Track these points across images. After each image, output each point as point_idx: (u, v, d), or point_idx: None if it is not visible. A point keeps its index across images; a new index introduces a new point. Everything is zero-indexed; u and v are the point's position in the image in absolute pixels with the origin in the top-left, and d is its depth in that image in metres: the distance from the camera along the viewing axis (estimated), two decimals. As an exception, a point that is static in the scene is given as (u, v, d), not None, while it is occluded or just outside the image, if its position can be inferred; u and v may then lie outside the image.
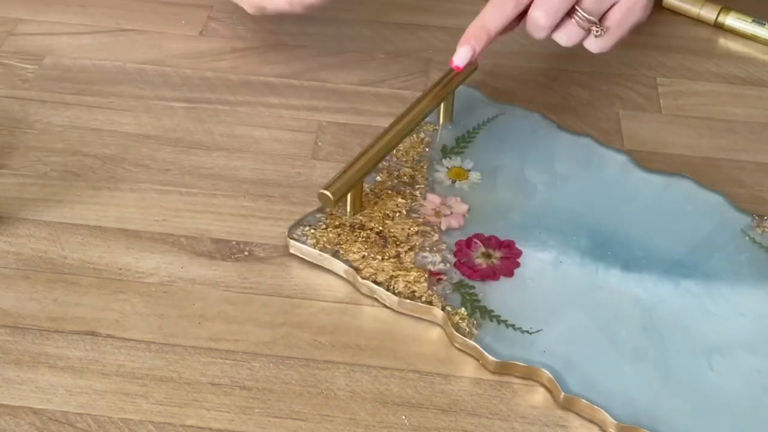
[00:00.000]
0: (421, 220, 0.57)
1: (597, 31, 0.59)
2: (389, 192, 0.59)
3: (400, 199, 0.58)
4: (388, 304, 0.53)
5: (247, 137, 0.64)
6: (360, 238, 0.56)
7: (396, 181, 0.60)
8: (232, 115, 0.66)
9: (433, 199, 0.58)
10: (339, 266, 0.54)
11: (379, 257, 0.55)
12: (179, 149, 0.63)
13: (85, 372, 0.49)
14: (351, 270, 0.54)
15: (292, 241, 0.55)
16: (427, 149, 0.62)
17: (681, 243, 0.56)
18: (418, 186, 0.59)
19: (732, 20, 0.75)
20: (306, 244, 0.55)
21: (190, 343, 0.51)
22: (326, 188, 0.54)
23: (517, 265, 0.55)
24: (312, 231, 0.56)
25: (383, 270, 0.54)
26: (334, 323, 0.52)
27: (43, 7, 0.74)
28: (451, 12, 0.76)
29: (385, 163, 0.60)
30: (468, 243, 0.56)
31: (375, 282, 0.53)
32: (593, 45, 0.61)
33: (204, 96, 0.67)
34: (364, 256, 0.55)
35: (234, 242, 0.56)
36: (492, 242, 0.56)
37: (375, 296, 0.53)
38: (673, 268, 0.54)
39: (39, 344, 0.51)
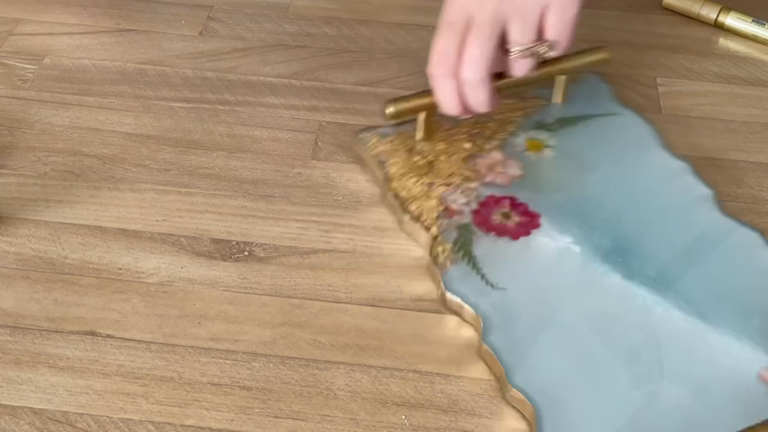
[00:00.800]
0: (473, 167, 0.60)
1: (544, 51, 0.57)
2: (464, 135, 0.62)
3: (467, 144, 0.61)
4: (392, 222, 0.58)
5: (247, 137, 0.64)
6: (410, 159, 0.60)
7: (477, 129, 0.62)
8: (231, 115, 0.66)
9: (496, 156, 0.61)
10: (379, 173, 0.60)
11: (414, 179, 0.58)
12: (179, 149, 0.63)
13: (85, 372, 0.49)
14: (385, 178, 0.59)
15: (359, 136, 0.62)
16: (523, 118, 0.64)
17: (707, 287, 0.54)
18: (492, 141, 0.62)
19: (732, 20, 0.75)
20: (365, 145, 0.61)
21: (190, 343, 0.51)
22: (390, 102, 0.59)
23: (527, 233, 0.56)
24: (377, 138, 0.61)
25: (410, 190, 0.58)
26: (334, 323, 0.52)
27: (43, 7, 0.74)
28: (451, 12, 0.76)
29: (476, 116, 0.61)
30: (497, 200, 0.58)
31: (396, 196, 0.58)
32: (552, 55, 0.57)
33: (204, 96, 0.67)
34: (403, 173, 0.59)
35: (234, 242, 0.56)
36: (519, 208, 0.57)
37: (392, 206, 0.58)
38: (679, 301, 0.52)
39: (39, 344, 0.51)
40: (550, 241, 0.56)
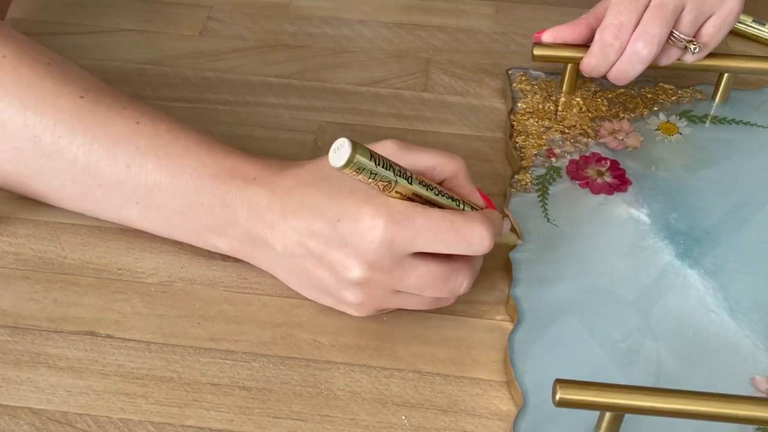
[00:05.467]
0: (596, 126, 0.64)
1: (695, 48, 0.60)
2: (605, 101, 0.65)
3: (602, 108, 0.65)
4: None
5: (246, 137, 0.64)
6: (543, 104, 0.65)
7: (622, 98, 0.66)
8: (231, 115, 0.65)
9: (624, 124, 0.63)
10: (508, 105, 0.66)
11: (536, 119, 0.64)
12: (179, 149, 0.62)
13: (85, 372, 0.49)
14: (510, 114, 0.64)
15: (509, 71, 0.68)
16: (672, 104, 0.66)
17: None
18: (630, 113, 0.65)
19: (732, 20, 0.75)
20: (512, 80, 0.67)
21: (189, 343, 0.51)
22: (540, 44, 0.63)
23: (609, 193, 0.59)
24: (524, 78, 0.67)
25: (527, 125, 0.63)
26: (334, 323, 0.52)
27: (42, 7, 0.74)
28: (451, 12, 0.76)
29: (627, 87, 0.67)
30: (600, 159, 0.60)
31: (512, 125, 0.63)
32: (688, 59, 0.62)
33: (204, 96, 0.67)
34: (531, 112, 0.64)
35: (234, 242, 0.56)
36: (616, 171, 0.60)
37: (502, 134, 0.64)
38: (717, 294, 0.53)
39: (39, 344, 0.51)
40: (626, 206, 0.58)
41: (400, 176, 0.46)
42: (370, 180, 0.45)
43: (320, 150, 0.63)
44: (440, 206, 0.48)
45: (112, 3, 0.75)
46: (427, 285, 0.48)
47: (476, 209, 0.50)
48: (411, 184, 0.46)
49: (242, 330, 0.52)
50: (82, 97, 0.52)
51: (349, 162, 0.43)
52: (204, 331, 0.52)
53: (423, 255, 0.47)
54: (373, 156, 0.44)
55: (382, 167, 0.45)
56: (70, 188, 0.52)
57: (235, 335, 0.51)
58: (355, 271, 0.47)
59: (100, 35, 0.72)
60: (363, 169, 0.44)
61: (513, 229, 0.56)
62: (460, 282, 0.49)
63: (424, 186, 0.47)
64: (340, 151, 0.43)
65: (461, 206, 0.49)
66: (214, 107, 0.66)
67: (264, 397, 0.49)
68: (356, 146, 0.43)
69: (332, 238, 0.47)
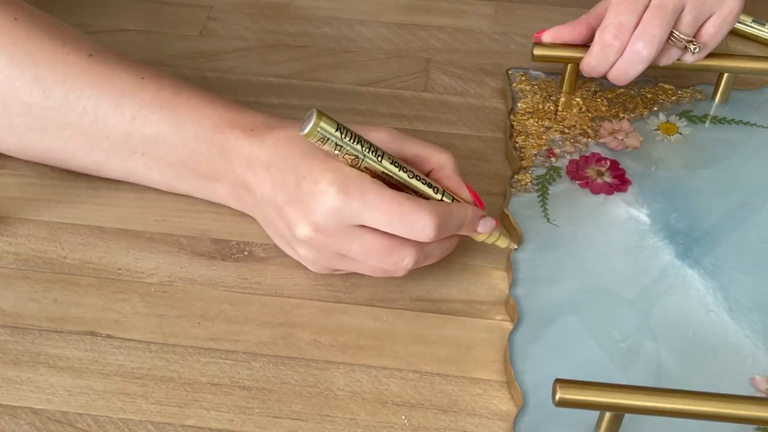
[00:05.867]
0: (595, 126, 0.64)
1: (694, 48, 0.60)
2: (605, 101, 0.65)
3: (602, 108, 0.65)
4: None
5: (247, 137, 0.64)
6: (543, 104, 0.65)
7: (622, 98, 0.66)
8: (232, 115, 0.65)
9: (623, 124, 0.63)
10: (508, 104, 0.66)
11: (536, 119, 0.63)
12: (179, 149, 0.62)
13: (85, 372, 0.49)
14: (510, 111, 0.64)
15: (509, 71, 0.68)
16: (672, 104, 0.66)
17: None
18: (629, 113, 0.65)
19: (732, 20, 0.75)
20: (512, 80, 0.67)
21: (190, 343, 0.51)
22: (539, 44, 0.63)
23: (609, 193, 0.59)
24: (524, 78, 0.67)
25: (527, 125, 0.63)
26: (334, 323, 0.52)
27: (42, 7, 0.74)
28: (451, 12, 0.76)
29: (627, 87, 0.67)
30: (600, 158, 0.60)
31: (512, 125, 0.63)
32: (688, 59, 0.62)
33: (204, 96, 0.67)
34: (531, 112, 0.64)
35: (234, 242, 0.56)
36: (616, 171, 0.60)
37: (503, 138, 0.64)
38: (717, 294, 0.53)
39: (39, 344, 0.51)
40: (626, 206, 0.58)
41: (368, 152, 0.48)
42: (336, 152, 0.48)
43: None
44: (414, 189, 0.50)
45: (112, 3, 0.75)
46: (369, 255, 0.50)
47: (458, 201, 0.51)
48: (381, 162, 0.48)
49: (242, 330, 0.52)
50: (90, 55, 0.55)
51: (313, 130, 0.46)
52: (204, 331, 0.52)
53: (370, 228, 0.49)
54: (339, 128, 0.47)
55: (349, 140, 0.47)
56: (78, 139, 0.55)
57: (235, 335, 0.51)
58: (302, 229, 0.49)
59: (100, 35, 0.72)
60: (327, 140, 0.47)
61: (510, 233, 0.56)
62: (404, 258, 0.50)
63: (398, 166, 0.49)
64: (307, 119, 0.47)
65: (439, 195, 0.50)
66: (214, 107, 0.66)
67: (264, 397, 0.49)
68: (321, 116, 0.46)
69: (293, 194, 0.49)
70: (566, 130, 0.63)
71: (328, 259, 0.51)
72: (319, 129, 0.46)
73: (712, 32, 0.61)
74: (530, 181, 0.59)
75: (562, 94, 0.66)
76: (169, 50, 0.71)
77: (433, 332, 0.52)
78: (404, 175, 0.50)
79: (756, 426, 0.47)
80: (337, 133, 0.47)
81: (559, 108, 0.65)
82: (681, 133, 0.64)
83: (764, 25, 0.74)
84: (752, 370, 0.50)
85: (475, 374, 0.50)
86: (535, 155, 0.61)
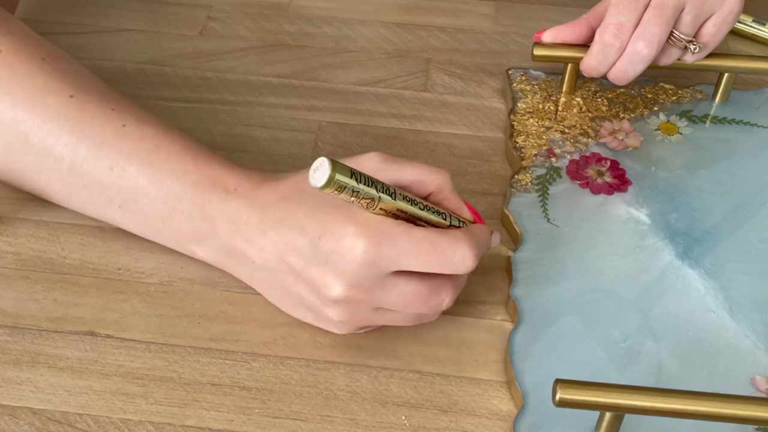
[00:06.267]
0: (596, 126, 0.64)
1: (695, 48, 0.60)
2: (605, 101, 0.66)
3: (602, 108, 0.65)
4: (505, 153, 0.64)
5: (246, 137, 0.64)
6: (543, 103, 0.65)
7: (622, 98, 0.66)
8: (231, 115, 0.65)
9: (624, 124, 0.64)
10: (509, 104, 0.66)
11: (537, 119, 0.64)
12: (179, 149, 0.62)
13: (85, 372, 0.49)
14: (510, 110, 0.64)
15: (509, 70, 0.68)
16: (673, 104, 0.66)
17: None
18: (630, 113, 0.65)
19: (732, 20, 0.75)
20: (512, 80, 0.67)
21: (189, 343, 0.51)
22: (539, 44, 0.63)
23: (609, 193, 0.59)
24: (524, 78, 0.67)
25: (528, 125, 0.63)
26: (334, 323, 0.52)
27: (43, 6, 0.74)
28: (451, 12, 0.76)
29: (627, 87, 0.67)
30: (600, 159, 0.60)
31: (512, 125, 0.63)
32: (689, 59, 0.62)
33: (203, 96, 0.67)
34: (531, 112, 0.64)
35: (234, 242, 0.56)
36: (616, 171, 0.60)
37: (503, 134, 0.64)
38: (718, 294, 0.53)
39: (38, 344, 0.51)
40: (626, 206, 0.58)
41: (383, 192, 0.45)
42: (353, 198, 0.44)
43: (320, 150, 0.63)
44: (426, 221, 0.48)
45: (112, 3, 0.75)
46: (408, 303, 0.47)
47: (463, 223, 0.50)
48: (395, 200, 0.46)
49: (242, 330, 0.52)
50: (71, 96, 0.52)
51: (330, 182, 0.42)
52: (204, 331, 0.52)
53: (405, 272, 0.47)
54: (354, 174, 0.43)
55: (364, 184, 0.44)
56: (56, 186, 0.53)
57: (235, 335, 0.51)
58: (336, 289, 0.46)
59: (100, 35, 0.72)
60: (344, 188, 0.43)
61: (510, 234, 0.56)
62: (443, 299, 0.48)
63: (409, 201, 0.46)
64: (319, 170, 0.42)
65: (448, 220, 0.49)
66: (214, 107, 0.66)
67: (264, 397, 0.49)
68: (336, 165, 0.42)
69: (313, 255, 0.46)
70: (566, 130, 0.63)
71: (362, 317, 0.48)
72: (336, 179, 0.42)
73: (713, 32, 0.61)
74: (530, 181, 0.59)
75: (562, 94, 0.66)
76: (169, 50, 0.71)
77: (433, 332, 0.52)
78: (416, 209, 0.47)
79: (756, 426, 0.47)
80: (353, 180, 0.43)
81: (560, 108, 0.65)
82: (681, 133, 0.64)
83: (764, 25, 0.74)
84: (752, 370, 0.50)
85: (475, 374, 0.50)
86: (536, 155, 0.61)
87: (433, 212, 0.48)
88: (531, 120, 0.64)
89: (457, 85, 0.69)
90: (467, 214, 0.50)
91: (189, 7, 0.75)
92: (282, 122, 0.65)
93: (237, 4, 0.76)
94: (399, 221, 0.46)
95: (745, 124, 0.65)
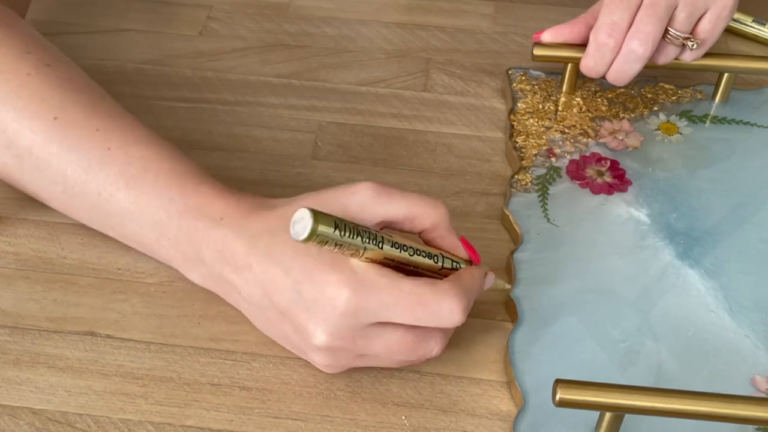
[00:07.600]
0: (595, 126, 0.64)
1: (692, 45, 0.61)
2: (605, 101, 0.65)
3: (602, 107, 0.65)
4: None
5: (246, 137, 0.64)
6: (543, 103, 0.65)
7: (622, 98, 0.66)
8: (231, 115, 0.65)
9: (623, 124, 0.63)
10: (509, 104, 0.66)
11: (536, 119, 0.64)
12: (179, 149, 0.62)
13: (85, 372, 0.49)
14: (510, 110, 0.65)
15: (510, 70, 0.68)
16: (673, 104, 0.66)
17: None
18: (630, 113, 0.65)
19: (732, 20, 0.74)
20: (512, 80, 0.67)
21: (189, 343, 0.51)
22: (539, 44, 0.63)
23: (609, 193, 0.59)
24: (524, 78, 0.68)
25: (528, 125, 0.63)
26: (333, 323, 0.52)
27: (42, 6, 0.74)
28: (451, 12, 0.76)
29: (627, 87, 0.67)
30: (600, 159, 0.60)
31: (512, 125, 0.63)
32: (687, 57, 0.62)
33: (203, 96, 0.67)
34: (531, 112, 0.64)
35: (234, 242, 0.56)
36: (616, 171, 0.60)
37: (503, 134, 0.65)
38: (717, 294, 0.53)
39: (38, 344, 0.51)
40: (626, 206, 0.58)
41: (369, 242, 0.43)
42: (336, 249, 0.43)
43: (320, 149, 0.63)
44: (415, 266, 0.46)
45: (112, 3, 0.75)
46: (393, 351, 0.46)
47: (457, 263, 0.48)
48: (382, 248, 0.44)
49: (242, 330, 0.52)
50: (55, 118, 0.51)
51: (312, 234, 0.41)
52: (204, 331, 0.52)
53: (391, 322, 0.45)
54: (337, 225, 0.42)
55: (349, 236, 0.42)
56: (55, 203, 0.53)
57: (235, 335, 0.51)
58: (318, 338, 0.45)
59: (100, 35, 0.72)
60: (327, 241, 0.42)
61: (510, 234, 0.56)
62: (431, 348, 0.46)
63: (397, 247, 0.45)
64: (301, 223, 0.41)
65: (440, 262, 0.47)
66: (214, 107, 0.66)
67: (264, 397, 0.49)
68: (318, 217, 0.41)
69: (294, 300, 0.45)
70: (566, 130, 0.63)
71: (348, 361, 0.47)
72: (318, 232, 0.41)
73: (709, 28, 0.61)
74: (530, 181, 0.59)
75: (562, 94, 0.66)
76: (169, 50, 0.71)
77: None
78: (405, 255, 0.45)
79: (756, 426, 0.47)
80: (336, 233, 0.41)
81: (560, 108, 0.65)
82: (681, 133, 0.64)
83: (764, 25, 0.74)
84: (752, 370, 0.50)
85: (475, 374, 0.50)
86: (536, 155, 0.61)
87: (425, 255, 0.46)
88: (531, 120, 0.64)
89: (457, 85, 0.69)
90: (462, 253, 0.49)
91: (189, 7, 0.75)
92: (282, 122, 0.65)
93: (237, 4, 0.76)
94: (386, 270, 0.44)
95: (745, 124, 0.65)
